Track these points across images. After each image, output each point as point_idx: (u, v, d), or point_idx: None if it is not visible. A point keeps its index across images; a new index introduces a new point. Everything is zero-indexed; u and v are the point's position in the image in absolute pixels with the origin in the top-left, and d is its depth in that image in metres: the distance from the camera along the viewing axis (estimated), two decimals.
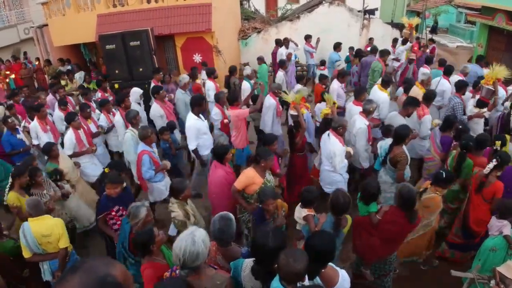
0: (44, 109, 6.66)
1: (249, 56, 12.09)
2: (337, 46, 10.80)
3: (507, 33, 12.12)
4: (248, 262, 2.87)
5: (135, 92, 7.30)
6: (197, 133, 5.77)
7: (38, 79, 13.16)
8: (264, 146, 4.89)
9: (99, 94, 8.53)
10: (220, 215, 3.17)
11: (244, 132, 6.23)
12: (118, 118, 6.53)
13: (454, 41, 20.27)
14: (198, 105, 5.82)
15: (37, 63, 14.21)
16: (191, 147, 5.79)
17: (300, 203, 4.02)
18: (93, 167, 6.28)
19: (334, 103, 5.90)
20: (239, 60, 13.08)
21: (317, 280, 2.73)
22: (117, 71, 9.33)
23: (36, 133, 6.52)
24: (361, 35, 13.20)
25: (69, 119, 6.06)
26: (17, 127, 6.70)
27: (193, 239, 2.51)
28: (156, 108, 6.85)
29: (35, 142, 6.62)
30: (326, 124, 5.54)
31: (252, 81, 7.96)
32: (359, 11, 13.37)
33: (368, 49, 10.44)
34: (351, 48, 11.44)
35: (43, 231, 3.97)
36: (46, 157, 5.55)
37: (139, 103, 7.39)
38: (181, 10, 10.61)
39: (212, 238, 3.09)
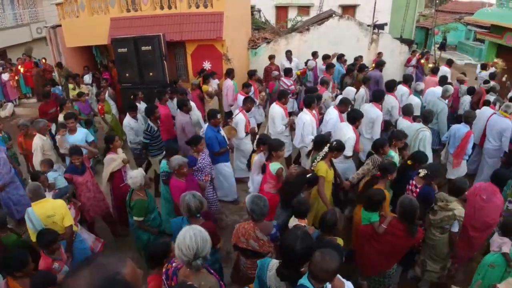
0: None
1: (258, 66, 12.16)
2: (340, 57, 10.96)
3: None
4: (275, 263, 2.97)
5: (351, 91, 8.04)
6: None
7: (45, 79, 13.25)
8: None
9: None
10: (254, 194, 3.66)
11: None
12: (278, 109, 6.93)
13: (463, 58, 20.35)
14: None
15: (44, 61, 14.36)
16: None
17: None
18: None
19: None
20: (248, 69, 13.17)
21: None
22: (127, 75, 9.48)
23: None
24: (370, 49, 13.28)
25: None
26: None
27: (194, 230, 2.66)
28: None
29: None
30: None
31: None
32: (368, 26, 13.46)
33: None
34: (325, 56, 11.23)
35: (47, 212, 4.21)
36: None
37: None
38: (193, 17, 10.72)
39: (249, 212, 3.60)
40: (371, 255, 4.06)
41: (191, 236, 2.58)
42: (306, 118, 6.39)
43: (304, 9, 20.55)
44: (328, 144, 5.06)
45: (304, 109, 6.56)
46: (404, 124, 6.62)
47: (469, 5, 26.32)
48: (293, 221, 4.00)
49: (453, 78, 10.43)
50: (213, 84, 9.83)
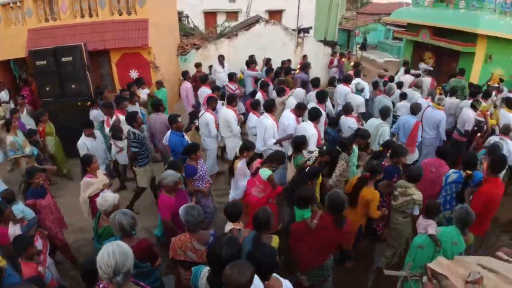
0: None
1: (189, 72, 12.16)
2: (267, 62, 11.40)
3: (431, 47, 13.30)
4: (207, 270, 2.98)
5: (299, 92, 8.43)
6: None
7: None
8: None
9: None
10: (187, 205, 3.60)
11: None
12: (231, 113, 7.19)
13: (383, 56, 21.72)
14: None
15: None
16: None
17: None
18: None
19: None
20: (178, 76, 13.10)
21: None
22: (48, 88, 9.00)
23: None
24: (296, 52, 13.80)
25: None
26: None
27: (113, 247, 2.56)
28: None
29: None
30: None
31: None
32: (293, 30, 13.98)
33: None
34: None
35: None
36: None
37: None
38: (116, 25, 10.48)
39: (184, 223, 3.56)
40: (304, 251, 4.18)
41: (109, 253, 2.51)
42: (268, 122, 6.58)
43: (232, 14, 20.84)
44: (318, 149, 5.44)
45: (265, 113, 6.74)
46: (349, 122, 7.13)
47: (388, 6, 28.11)
48: (228, 226, 4.05)
49: None
50: (142, 93, 9.66)
